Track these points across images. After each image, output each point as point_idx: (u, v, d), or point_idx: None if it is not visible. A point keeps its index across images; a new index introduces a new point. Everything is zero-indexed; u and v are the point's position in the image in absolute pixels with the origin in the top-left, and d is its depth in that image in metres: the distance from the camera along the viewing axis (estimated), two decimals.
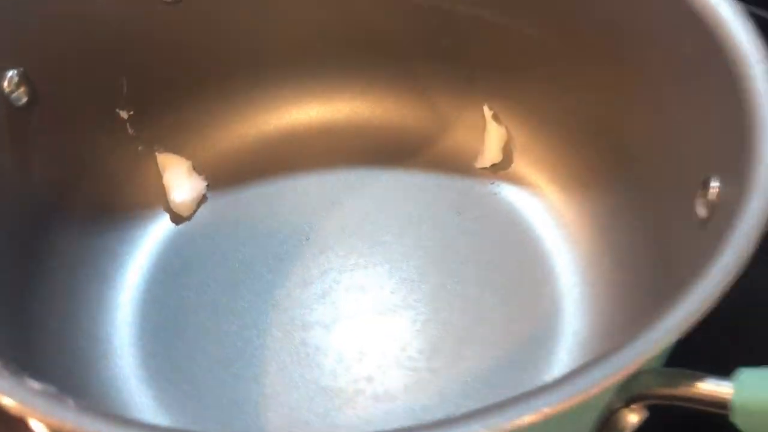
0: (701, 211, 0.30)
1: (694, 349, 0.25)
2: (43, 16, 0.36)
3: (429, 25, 0.43)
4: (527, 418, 0.19)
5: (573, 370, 0.20)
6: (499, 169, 0.44)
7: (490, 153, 0.44)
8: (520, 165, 0.44)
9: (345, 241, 0.42)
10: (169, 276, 0.41)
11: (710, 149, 0.31)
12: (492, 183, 0.44)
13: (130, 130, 0.43)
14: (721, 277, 0.23)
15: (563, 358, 0.38)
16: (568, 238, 0.41)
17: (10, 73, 0.35)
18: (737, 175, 0.28)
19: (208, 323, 0.39)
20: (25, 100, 0.36)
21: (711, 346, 0.25)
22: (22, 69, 0.35)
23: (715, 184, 0.29)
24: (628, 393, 0.22)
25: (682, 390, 0.21)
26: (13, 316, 0.34)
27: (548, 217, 0.42)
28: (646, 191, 0.37)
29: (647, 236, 0.36)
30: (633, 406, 0.22)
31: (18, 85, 0.35)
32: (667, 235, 0.34)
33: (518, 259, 0.41)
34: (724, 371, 0.22)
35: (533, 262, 0.41)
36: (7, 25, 0.34)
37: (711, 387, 0.21)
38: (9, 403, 0.19)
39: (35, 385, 0.20)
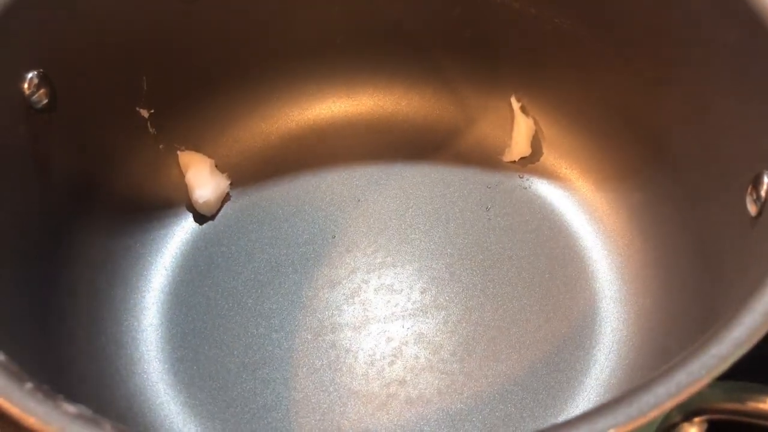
0: (751, 208, 0.29)
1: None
2: (62, 17, 0.35)
3: (451, 15, 0.42)
4: None
5: (634, 389, 0.19)
6: (528, 163, 0.43)
7: (519, 146, 0.43)
8: (550, 158, 0.43)
9: (372, 239, 0.41)
10: (194, 277, 0.40)
11: (762, 143, 0.29)
12: (521, 177, 0.43)
13: (151, 129, 0.42)
14: None
15: (601, 358, 0.37)
16: (603, 233, 0.40)
17: (30, 75, 0.34)
18: None
19: (236, 326, 0.39)
20: (45, 101, 0.35)
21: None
22: (42, 70, 0.34)
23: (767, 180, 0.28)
24: (688, 407, 0.21)
25: (751, 405, 0.20)
26: (41, 321, 0.33)
27: (581, 211, 0.41)
28: (686, 185, 0.36)
29: (688, 232, 0.35)
30: (694, 420, 0.21)
31: (38, 87, 0.34)
32: (710, 231, 0.33)
33: (551, 255, 0.40)
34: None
35: (567, 259, 0.40)
36: (26, 26, 0.33)
37: None
38: (47, 430, 0.19)
39: (71, 408, 0.19)
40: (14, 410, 0.19)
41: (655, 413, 0.18)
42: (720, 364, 0.19)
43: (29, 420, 0.19)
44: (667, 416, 0.22)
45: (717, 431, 0.22)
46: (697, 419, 0.21)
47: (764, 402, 0.20)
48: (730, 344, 0.20)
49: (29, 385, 0.20)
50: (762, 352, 0.21)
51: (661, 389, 0.19)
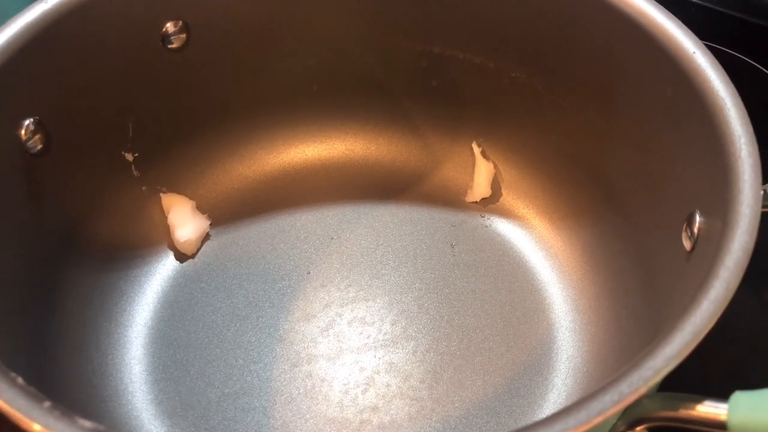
0: (686, 243, 0.32)
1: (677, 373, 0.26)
2: (56, 67, 0.37)
3: (419, 68, 0.45)
4: None
5: (582, 398, 0.22)
6: (489, 203, 0.47)
7: (480, 188, 0.47)
8: (509, 199, 0.47)
9: (345, 274, 0.44)
10: (176, 313, 0.43)
11: (694, 185, 0.33)
12: (483, 216, 0.46)
13: (135, 172, 0.44)
14: (714, 306, 0.25)
15: (558, 383, 0.40)
16: (558, 268, 0.44)
17: (26, 122, 0.36)
18: (719, 209, 0.30)
19: (216, 358, 0.41)
20: (40, 147, 0.37)
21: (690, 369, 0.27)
22: (37, 117, 0.37)
23: (698, 219, 0.32)
24: (631, 417, 0.24)
25: (683, 413, 0.23)
26: (32, 352, 0.35)
27: (538, 248, 0.45)
28: (632, 223, 0.39)
29: (635, 265, 0.39)
30: (636, 429, 0.24)
31: (34, 133, 0.37)
32: (653, 264, 0.36)
33: (511, 289, 0.43)
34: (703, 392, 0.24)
35: (526, 292, 0.43)
36: (23, 76, 0.36)
37: (709, 409, 0.23)
38: None
39: (87, 423, 0.21)
40: (35, 427, 0.21)
41: (600, 419, 0.21)
42: (655, 375, 0.22)
43: None
44: (614, 426, 0.25)
45: None
46: (639, 428, 0.24)
47: (693, 409, 0.23)
48: (663, 359, 0.23)
49: (47, 404, 0.22)
50: (696, 367, 0.25)
51: (606, 398, 0.22)
